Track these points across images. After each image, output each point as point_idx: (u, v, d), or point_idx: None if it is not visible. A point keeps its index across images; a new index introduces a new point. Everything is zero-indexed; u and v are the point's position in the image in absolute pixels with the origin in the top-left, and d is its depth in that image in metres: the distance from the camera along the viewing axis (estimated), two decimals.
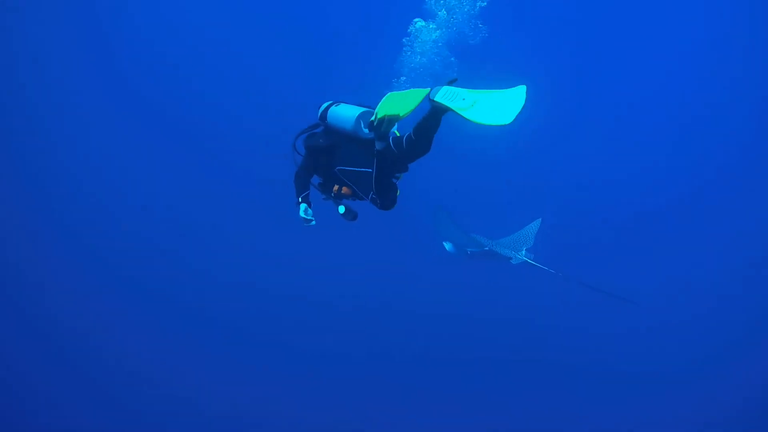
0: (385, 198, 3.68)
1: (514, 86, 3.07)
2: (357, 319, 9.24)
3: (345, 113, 3.68)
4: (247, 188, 10.83)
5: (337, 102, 3.87)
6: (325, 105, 3.92)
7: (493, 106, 3.02)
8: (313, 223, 3.97)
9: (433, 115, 3.21)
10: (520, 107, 2.94)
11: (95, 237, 10.41)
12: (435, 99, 3.14)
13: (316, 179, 4.16)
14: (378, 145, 3.47)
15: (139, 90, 11.62)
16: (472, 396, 8.41)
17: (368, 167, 3.64)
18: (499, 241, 7.10)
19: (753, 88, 10.43)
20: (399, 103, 3.27)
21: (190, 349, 9.05)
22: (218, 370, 8.78)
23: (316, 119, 4.10)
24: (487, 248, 6.93)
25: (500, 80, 3.30)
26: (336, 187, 3.94)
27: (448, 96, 3.11)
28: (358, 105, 3.77)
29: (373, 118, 3.40)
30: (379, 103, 3.38)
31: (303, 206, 3.94)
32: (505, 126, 2.91)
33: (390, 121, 3.31)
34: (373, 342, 8.92)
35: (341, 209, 3.88)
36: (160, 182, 11.22)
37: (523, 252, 6.99)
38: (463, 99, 3.08)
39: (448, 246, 7.31)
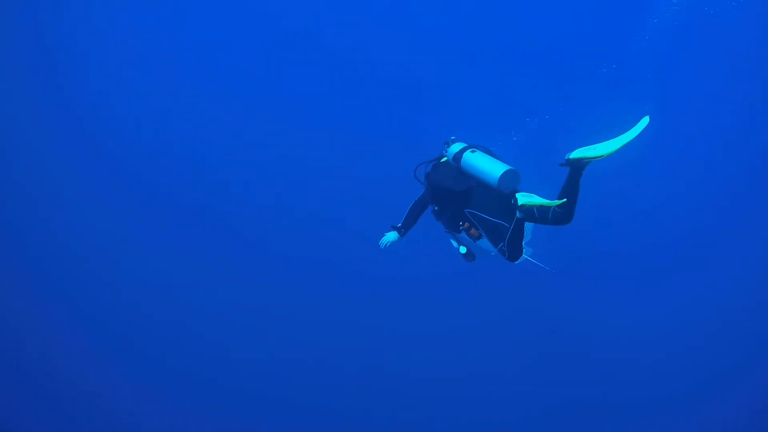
0: (516, 251, 3.94)
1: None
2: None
3: (487, 168, 3.80)
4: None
5: (472, 147, 4.06)
6: (458, 147, 4.09)
7: (621, 138, 3.43)
8: (384, 248, 4.38)
9: (573, 176, 3.53)
10: (644, 125, 3.39)
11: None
12: (572, 157, 3.50)
13: (434, 208, 4.43)
14: (519, 215, 3.75)
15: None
16: None
17: (502, 220, 3.93)
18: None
19: None
20: (534, 201, 3.63)
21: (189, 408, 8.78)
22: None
23: (438, 152, 4.38)
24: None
25: None
26: (465, 225, 4.17)
27: (581, 152, 3.50)
28: (495, 157, 3.94)
29: (520, 203, 3.68)
30: (525, 196, 3.72)
31: (394, 235, 4.36)
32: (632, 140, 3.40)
33: (532, 207, 3.64)
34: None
35: (462, 250, 4.26)
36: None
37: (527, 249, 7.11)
38: (595, 148, 3.48)
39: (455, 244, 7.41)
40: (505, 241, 3.89)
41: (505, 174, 3.69)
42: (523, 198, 3.71)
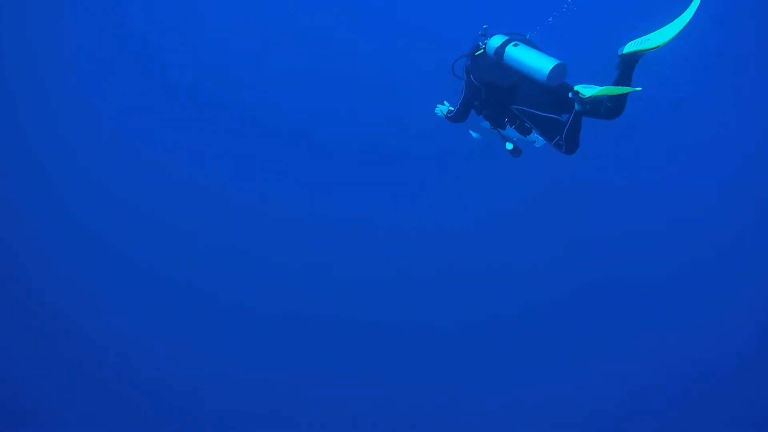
0: (573, 143, 3.76)
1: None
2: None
3: (534, 63, 3.63)
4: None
5: (513, 39, 3.85)
6: (498, 40, 3.88)
7: (674, 25, 3.30)
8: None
9: (627, 68, 3.43)
10: (696, 5, 3.21)
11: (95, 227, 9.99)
12: (625, 51, 3.38)
13: (474, 103, 4.32)
14: (578, 107, 3.60)
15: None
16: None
17: (555, 113, 3.80)
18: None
19: None
20: (606, 90, 3.41)
21: (193, 339, 9.08)
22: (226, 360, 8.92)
23: (473, 43, 4.17)
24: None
25: None
26: (516, 123, 4.05)
27: (635, 45, 3.38)
28: (538, 50, 3.76)
29: (584, 94, 3.48)
30: (587, 88, 3.50)
31: (446, 108, 4.47)
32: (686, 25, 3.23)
33: (600, 98, 3.47)
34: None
35: (509, 146, 4.16)
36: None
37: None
38: (648, 39, 3.35)
39: (475, 134, 7.42)
40: (562, 135, 3.74)
41: (554, 69, 3.54)
42: (587, 90, 3.51)
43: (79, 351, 9.02)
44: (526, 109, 3.91)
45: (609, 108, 3.50)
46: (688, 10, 3.30)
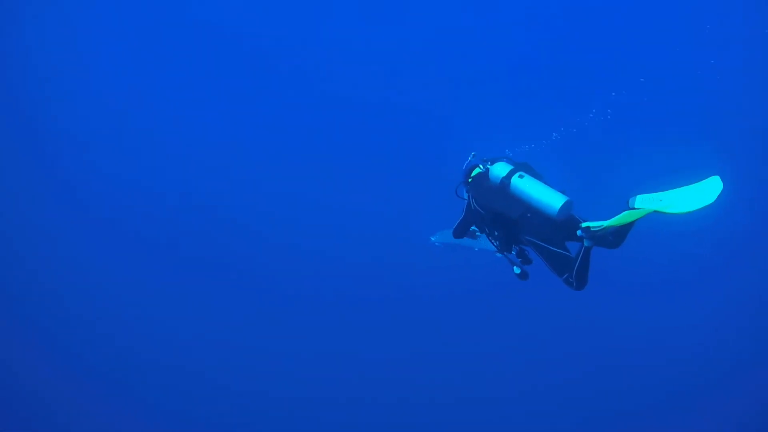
0: (583, 280, 3.74)
1: (704, 179, 3.43)
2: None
3: (544, 198, 3.73)
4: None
5: (518, 170, 3.97)
6: (504, 169, 3.99)
7: (689, 196, 3.40)
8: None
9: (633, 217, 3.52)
10: (719, 190, 3.31)
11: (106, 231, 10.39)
12: (636, 206, 3.49)
13: (483, 228, 4.34)
14: (587, 243, 3.66)
15: None
16: None
17: (564, 248, 3.84)
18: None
19: None
20: (611, 220, 3.52)
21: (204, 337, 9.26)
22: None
23: (469, 163, 4.33)
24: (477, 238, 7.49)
25: None
26: (519, 250, 4.14)
27: (646, 202, 3.48)
28: (546, 185, 3.86)
29: (593, 227, 3.57)
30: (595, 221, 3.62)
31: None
32: (707, 206, 3.30)
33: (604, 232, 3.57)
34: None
35: (517, 270, 4.15)
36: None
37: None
38: (661, 200, 3.45)
39: (435, 238, 7.88)
40: (572, 272, 3.73)
41: (564, 206, 3.66)
42: (595, 223, 3.60)
43: (83, 346, 9.09)
44: (535, 240, 3.92)
45: (611, 241, 3.63)
46: (710, 186, 3.40)
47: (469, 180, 4.36)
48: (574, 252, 3.83)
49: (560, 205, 3.64)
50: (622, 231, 3.60)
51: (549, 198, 3.71)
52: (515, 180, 3.90)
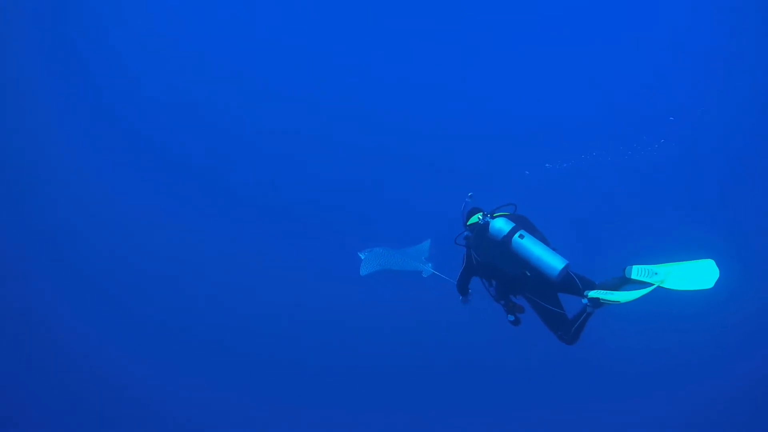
0: (577, 339, 3.95)
1: (696, 259, 3.71)
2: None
3: (544, 258, 3.88)
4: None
5: (518, 228, 4.08)
6: (506, 226, 4.09)
7: (684, 276, 3.64)
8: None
9: (624, 284, 3.80)
10: (716, 275, 3.57)
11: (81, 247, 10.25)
12: (632, 276, 3.74)
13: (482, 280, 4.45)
14: (590, 310, 3.85)
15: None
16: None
17: (559, 308, 4.02)
18: (404, 251, 7.97)
19: None
20: (620, 295, 3.69)
21: (181, 364, 9.15)
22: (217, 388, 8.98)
23: (467, 207, 4.51)
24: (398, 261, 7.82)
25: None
26: (516, 306, 4.26)
27: (642, 273, 3.71)
28: (548, 246, 4.01)
29: (603, 300, 3.73)
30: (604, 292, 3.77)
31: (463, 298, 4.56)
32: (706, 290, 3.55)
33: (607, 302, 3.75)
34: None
35: (511, 318, 4.27)
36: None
37: (430, 265, 7.78)
38: (656, 273, 3.68)
39: (363, 256, 8.03)
40: (569, 332, 3.94)
41: (563, 269, 3.83)
42: (605, 295, 3.75)
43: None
44: (532, 297, 4.08)
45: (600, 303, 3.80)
46: (706, 269, 3.63)
47: (467, 224, 4.50)
48: (569, 309, 4.02)
49: (560, 268, 3.81)
50: (620, 288, 3.80)
51: (549, 260, 3.87)
52: (516, 239, 4.02)
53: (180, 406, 8.81)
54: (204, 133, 11.30)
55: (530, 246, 3.96)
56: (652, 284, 3.62)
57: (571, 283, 3.95)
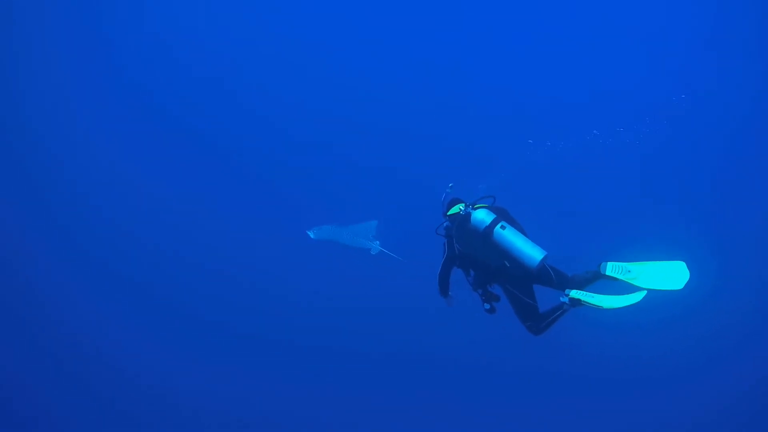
0: (543, 332, 4.07)
1: (669, 260, 3.85)
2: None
3: (526, 250, 3.95)
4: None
5: (500, 220, 4.12)
6: (488, 217, 4.12)
7: (656, 275, 3.79)
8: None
9: (598, 278, 3.95)
10: (687, 277, 3.72)
11: (89, 237, 10.27)
12: (607, 273, 3.88)
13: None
14: (567, 307, 3.97)
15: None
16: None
17: (533, 299, 4.11)
18: (350, 228, 8.34)
19: None
20: (603, 300, 3.81)
21: (187, 350, 9.21)
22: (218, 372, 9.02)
23: (447, 197, 4.50)
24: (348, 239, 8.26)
25: None
26: (492, 295, 4.29)
27: (617, 270, 3.84)
28: (527, 238, 4.06)
29: (584, 302, 3.84)
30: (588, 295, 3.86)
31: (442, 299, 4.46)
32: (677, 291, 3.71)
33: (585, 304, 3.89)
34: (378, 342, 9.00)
35: (487, 306, 4.29)
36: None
37: (377, 243, 8.25)
38: (629, 271, 3.82)
39: (312, 234, 8.45)
40: (540, 325, 4.05)
41: (542, 260, 3.92)
42: (588, 298, 3.85)
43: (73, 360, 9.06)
44: (509, 287, 4.14)
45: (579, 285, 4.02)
46: (677, 270, 3.77)
47: (447, 214, 4.50)
48: (543, 303, 4.11)
49: (539, 259, 3.92)
50: (584, 286, 3.95)
51: (529, 251, 3.96)
52: (498, 230, 4.07)
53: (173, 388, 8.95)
54: None
55: (511, 237, 4.02)
56: (627, 281, 3.77)
57: (546, 275, 4.05)
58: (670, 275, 3.76)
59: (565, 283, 4.02)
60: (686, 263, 3.79)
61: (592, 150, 8.40)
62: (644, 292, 3.75)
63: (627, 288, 3.80)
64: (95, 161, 10.87)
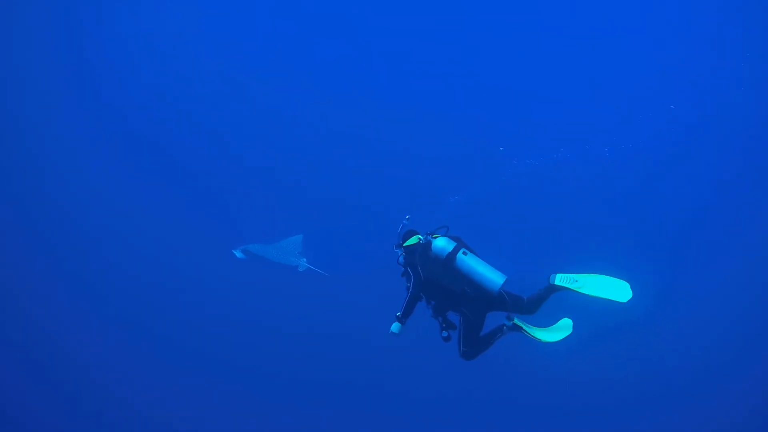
0: (476, 357, 4.36)
1: (615, 278, 4.21)
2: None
3: (488, 275, 4.17)
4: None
5: (461, 246, 4.31)
6: (449, 245, 4.28)
7: (601, 286, 4.15)
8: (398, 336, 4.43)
9: (550, 292, 4.24)
10: (630, 294, 4.09)
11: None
12: (556, 283, 4.20)
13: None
14: (506, 330, 4.39)
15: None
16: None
17: (482, 326, 4.33)
18: (275, 245, 8.34)
19: None
20: (541, 334, 4.28)
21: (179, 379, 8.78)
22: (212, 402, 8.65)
23: (404, 228, 4.63)
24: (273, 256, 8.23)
25: None
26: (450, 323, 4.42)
27: (565, 280, 4.17)
28: (487, 263, 4.27)
29: (524, 331, 4.33)
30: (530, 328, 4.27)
31: (398, 325, 4.33)
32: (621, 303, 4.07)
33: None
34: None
35: (444, 334, 4.38)
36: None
37: (304, 260, 8.32)
38: (576, 281, 4.15)
39: (238, 253, 8.45)
40: (477, 347, 4.33)
41: (504, 283, 4.15)
42: (527, 328, 4.34)
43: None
44: (468, 313, 4.28)
45: (527, 309, 4.35)
46: (621, 287, 4.16)
47: (404, 245, 4.56)
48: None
49: (501, 283, 4.13)
50: (537, 301, 4.27)
51: (490, 275, 4.16)
52: (460, 256, 4.23)
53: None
54: None
55: (472, 263, 4.21)
56: (575, 290, 4.14)
57: (502, 299, 4.26)
58: (614, 288, 4.12)
59: (520, 305, 4.28)
60: (630, 285, 4.15)
61: (561, 165, 8.76)
62: (570, 324, 4.31)
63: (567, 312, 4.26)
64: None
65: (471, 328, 4.28)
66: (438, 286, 4.33)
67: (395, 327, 4.34)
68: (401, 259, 4.62)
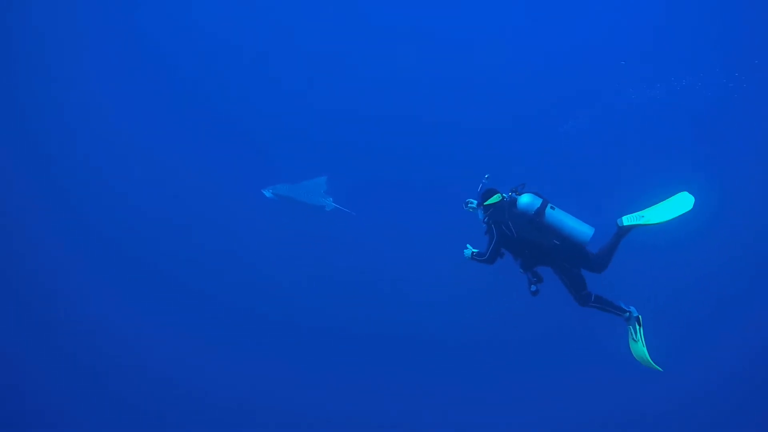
0: (591, 305, 4.54)
1: (674, 195, 4.51)
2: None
3: (579, 227, 4.42)
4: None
5: (548, 201, 4.46)
6: (536, 201, 4.43)
7: (665, 209, 4.42)
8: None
9: (620, 237, 4.49)
10: (692, 198, 4.40)
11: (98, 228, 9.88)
12: (625, 224, 4.43)
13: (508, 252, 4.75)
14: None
15: None
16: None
17: (580, 271, 4.58)
18: (303, 185, 8.44)
19: None
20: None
21: (193, 339, 8.89)
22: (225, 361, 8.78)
23: (484, 187, 4.72)
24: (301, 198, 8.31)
25: None
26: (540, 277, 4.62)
27: (632, 219, 4.44)
28: (576, 217, 4.49)
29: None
30: None
31: (470, 253, 4.68)
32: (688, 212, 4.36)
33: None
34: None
35: (533, 288, 4.57)
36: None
37: (330, 199, 8.42)
38: (642, 216, 4.44)
39: (268, 193, 8.54)
40: (586, 287, 4.54)
41: (593, 233, 4.40)
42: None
43: (80, 348, 8.95)
44: (564, 264, 4.52)
45: (604, 260, 4.57)
46: (683, 200, 4.40)
47: (485, 204, 4.67)
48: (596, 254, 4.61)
49: (591, 233, 4.39)
50: (611, 252, 4.52)
51: (581, 227, 4.40)
52: (549, 211, 4.43)
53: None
54: None
55: (563, 216, 4.44)
56: (643, 224, 4.38)
57: (586, 250, 4.52)
58: (676, 204, 4.37)
59: (595, 260, 4.49)
60: (687, 191, 4.45)
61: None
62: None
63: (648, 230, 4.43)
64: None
65: (572, 276, 4.49)
66: (527, 242, 4.47)
67: (468, 253, 4.74)
68: (484, 217, 4.70)
